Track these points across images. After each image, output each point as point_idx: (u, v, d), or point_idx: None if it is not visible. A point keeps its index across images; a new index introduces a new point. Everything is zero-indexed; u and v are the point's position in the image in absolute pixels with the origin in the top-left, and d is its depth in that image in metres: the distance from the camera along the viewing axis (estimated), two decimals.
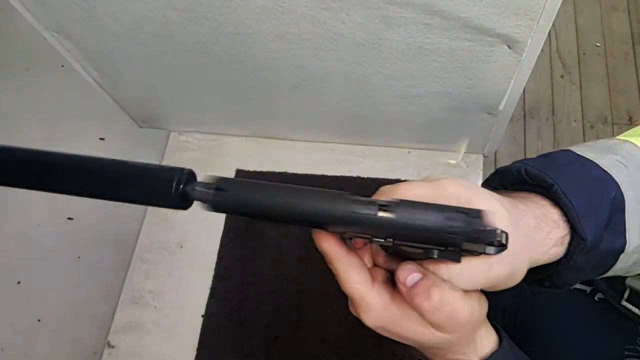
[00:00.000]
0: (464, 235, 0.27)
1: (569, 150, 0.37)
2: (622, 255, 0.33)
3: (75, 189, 0.30)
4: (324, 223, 0.29)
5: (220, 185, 0.29)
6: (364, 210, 0.27)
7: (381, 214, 0.27)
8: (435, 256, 0.29)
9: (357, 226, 0.29)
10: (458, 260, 0.29)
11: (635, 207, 0.34)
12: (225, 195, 0.28)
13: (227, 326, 0.81)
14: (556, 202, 0.33)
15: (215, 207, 0.29)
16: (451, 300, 0.30)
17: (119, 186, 0.30)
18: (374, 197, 0.30)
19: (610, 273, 0.36)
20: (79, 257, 0.80)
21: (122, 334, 0.83)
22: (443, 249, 0.29)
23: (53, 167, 0.30)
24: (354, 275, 0.32)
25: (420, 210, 0.27)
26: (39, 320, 0.72)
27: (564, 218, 0.32)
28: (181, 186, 0.28)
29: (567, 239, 0.32)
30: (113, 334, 0.83)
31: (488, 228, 0.28)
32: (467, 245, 0.28)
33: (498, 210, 0.30)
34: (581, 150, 0.36)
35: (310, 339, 0.79)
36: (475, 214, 0.27)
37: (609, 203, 0.32)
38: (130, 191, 0.30)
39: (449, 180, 0.30)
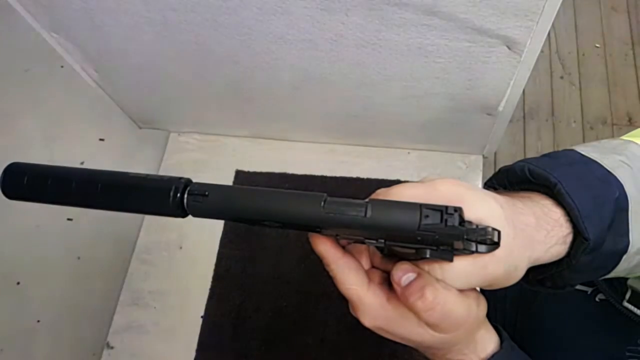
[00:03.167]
0: (441, 232, 0.27)
1: (572, 150, 0.37)
2: (624, 256, 0.33)
3: (79, 201, 0.31)
4: (297, 224, 0.29)
5: (195, 190, 0.30)
6: (336, 211, 0.27)
7: (354, 213, 0.27)
8: (428, 256, 0.29)
9: (330, 227, 0.29)
10: (451, 260, 0.29)
11: (639, 208, 0.34)
12: (204, 200, 0.29)
13: (226, 327, 0.81)
14: (559, 201, 0.33)
15: (193, 213, 0.30)
16: (445, 300, 0.30)
17: (120, 198, 0.31)
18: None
19: (612, 274, 0.36)
20: (79, 258, 0.80)
21: (121, 334, 0.83)
22: (435, 248, 0.29)
23: (56, 180, 0.31)
24: (350, 276, 0.32)
25: (393, 209, 0.27)
26: (38, 321, 0.72)
27: (567, 217, 0.32)
28: (178, 195, 0.29)
29: (569, 238, 0.32)
30: (112, 335, 0.83)
31: (479, 226, 0.28)
32: (457, 244, 0.28)
33: (492, 208, 0.30)
34: (585, 150, 0.36)
35: (310, 339, 0.79)
36: (451, 211, 0.27)
37: (612, 203, 0.32)
38: (130, 202, 0.31)
39: (442, 180, 0.31)
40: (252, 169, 0.93)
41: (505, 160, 1.61)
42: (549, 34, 0.56)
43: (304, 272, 0.83)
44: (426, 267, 0.31)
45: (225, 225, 0.88)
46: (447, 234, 0.27)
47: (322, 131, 0.91)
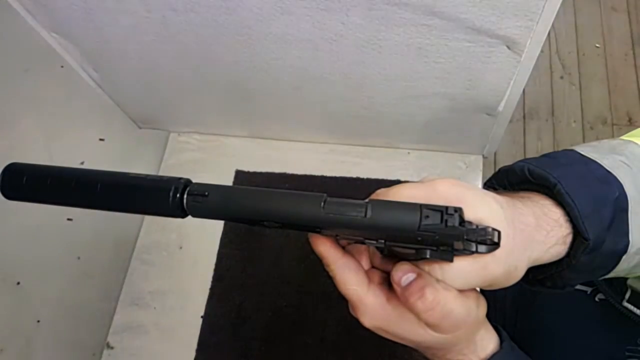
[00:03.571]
0: (441, 233, 0.27)
1: (572, 150, 0.37)
2: (624, 256, 0.33)
3: (79, 201, 0.31)
4: (297, 225, 0.29)
5: (195, 190, 0.30)
6: (336, 211, 0.27)
7: (353, 214, 0.27)
8: (428, 256, 0.29)
9: (330, 227, 0.29)
10: (451, 260, 0.29)
11: (639, 208, 0.34)
12: (204, 201, 0.29)
13: (226, 327, 0.81)
14: (559, 201, 0.33)
15: (193, 213, 0.30)
16: (445, 300, 0.30)
17: (120, 198, 0.31)
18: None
19: (612, 274, 0.36)
20: (79, 258, 0.80)
21: (121, 335, 0.83)
22: (435, 248, 0.29)
23: (55, 180, 0.31)
24: (350, 277, 0.32)
25: (393, 210, 0.27)
26: (38, 321, 0.72)
27: (566, 217, 0.32)
28: (178, 195, 0.29)
29: (569, 239, 0.32)
30: (112, 335, 0.83)
31: (479, 226, 0.28)
32: (457, 244, 0.28)
33: (492, 208, 0.30)
34: (585, 150, 0.36)
35: (309, 339, 0.79)
36: (451, 211, 0.27)
37: (612, 203, 0.33)
38: (130, 202, 0.31)
39: (442, 180, 0.31)
40: (252, 169, 0.93)
41: (505, 160, 1.61)
42: (549, 34, 0.56)
43: (304, 272, 0.83)
44: (426, 267, 0.31)
45: (225, 225, 0.88)
46: (447, 235, 0.27)
47: (322, 131, 0.91)
